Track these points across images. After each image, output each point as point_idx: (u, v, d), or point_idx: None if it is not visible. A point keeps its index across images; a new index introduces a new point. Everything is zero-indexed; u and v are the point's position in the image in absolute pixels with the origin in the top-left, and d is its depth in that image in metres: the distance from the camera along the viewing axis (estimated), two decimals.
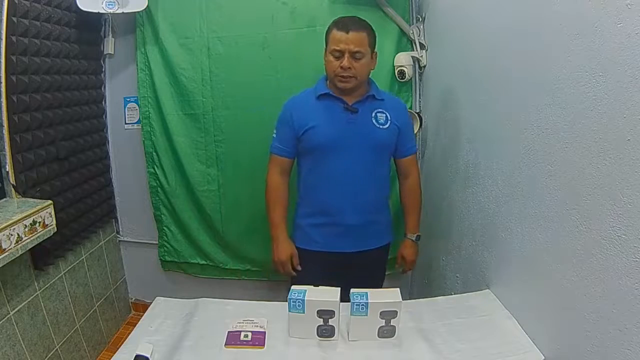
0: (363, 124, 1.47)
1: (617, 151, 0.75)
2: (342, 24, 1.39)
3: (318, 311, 1.00)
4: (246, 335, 1.03)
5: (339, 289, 1.03)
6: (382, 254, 1.65)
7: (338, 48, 1.37)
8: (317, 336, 1.03)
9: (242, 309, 1.14)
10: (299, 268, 1.54)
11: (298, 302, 1.00)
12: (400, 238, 1.68)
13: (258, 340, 1.03)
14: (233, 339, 1.04)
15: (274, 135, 1.55)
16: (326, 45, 1.44)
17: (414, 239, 1.64)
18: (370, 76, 1.50)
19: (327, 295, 1.01)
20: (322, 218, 1.53)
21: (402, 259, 1.67)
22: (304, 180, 1.57)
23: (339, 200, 1.50)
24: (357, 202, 1.50)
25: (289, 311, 1.02)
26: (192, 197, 2.18)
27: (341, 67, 1.38)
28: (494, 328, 1.08)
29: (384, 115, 1.50)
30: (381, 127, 1.48)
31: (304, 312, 1.00)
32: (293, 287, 1.04)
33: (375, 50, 1.46)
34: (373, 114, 1.48)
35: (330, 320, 1.01)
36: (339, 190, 1.50)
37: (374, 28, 1.44)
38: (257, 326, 1.07)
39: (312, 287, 1.03)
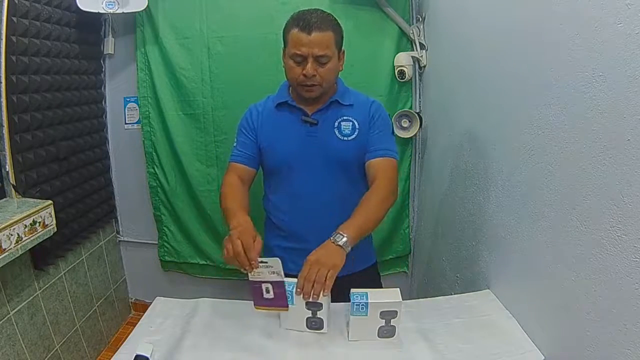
0: (324, 137, 1.28)
1: (617, 151, 0.75)
2: (304, 23, 1.17)
3: (307, 303, 1.01)
4: (267, 290, 1.02)
5: None
6: (369, 273, 1.43)
7: (299, 52, 1.17)
8: (306, 328, 1.04)
9: (242, 308, 1.14)
10: (256, 263, 1.01)
11: (287, 294, 1.01)
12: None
13: (280, 297, 1.01)
14: (258, 294, 1.02)
15: (234, 145, 1.36)
16: (285, 45, 1.23)
17: (335, 239, 1.08)
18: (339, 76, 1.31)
19: None
20: (288, 242, 1.36)
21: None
22: (268, 200, 1.41)
23: (301, 225, 1.33)
24: (322, 228, 1.21)
25: None
26: (192, 197, 2.18)
27: (304, 75, 1.19)
28: (494, 328, 1.08)
29: (350, 123, 1.29)
30: (345, 139, 1.28)
31: (293, 304, 1.01)
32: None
33: (343, 48, 1.26)
34: (336, 124, 1.29)
35: (318, 312, 1.02)
36: (301, 214, 1.32)
37: (340, 23, 1.24)
38: (273, 272, 1.01)
39: None
